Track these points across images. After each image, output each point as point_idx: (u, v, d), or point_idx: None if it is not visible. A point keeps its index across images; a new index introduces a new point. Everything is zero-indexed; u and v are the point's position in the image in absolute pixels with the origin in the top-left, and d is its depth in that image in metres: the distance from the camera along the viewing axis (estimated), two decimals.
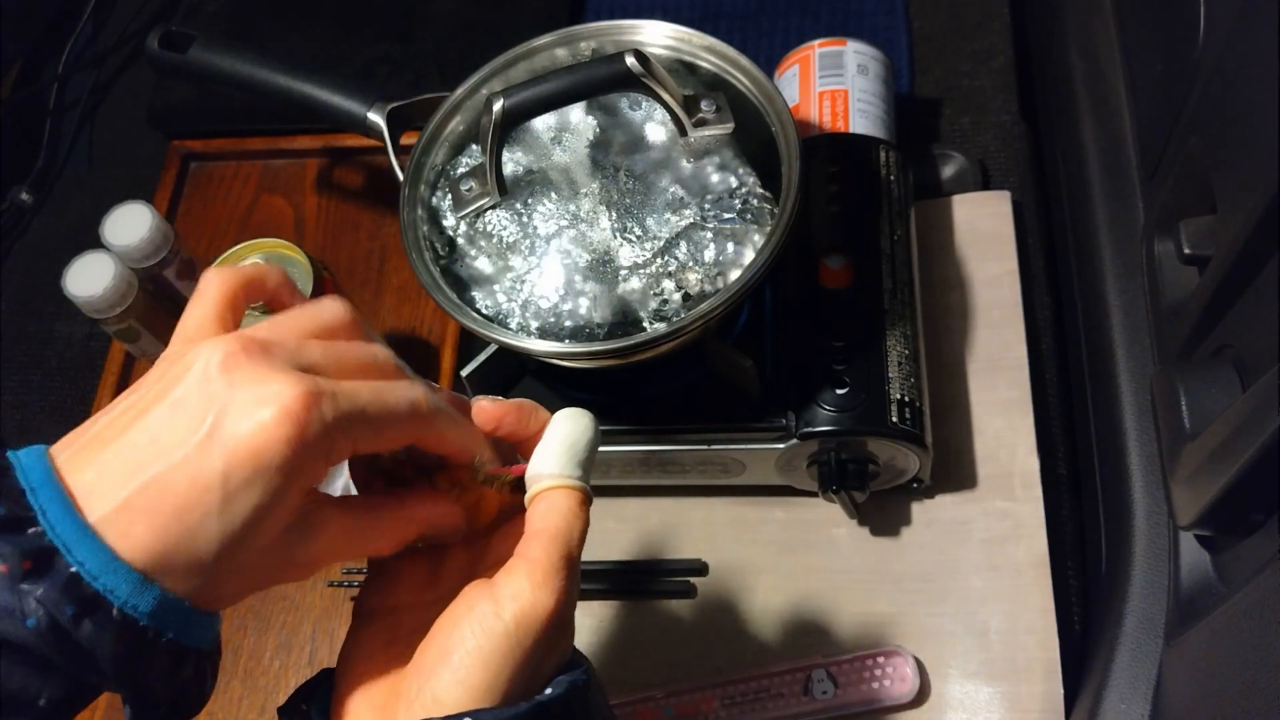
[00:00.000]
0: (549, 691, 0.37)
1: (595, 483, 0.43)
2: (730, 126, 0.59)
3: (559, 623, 0.37)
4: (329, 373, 0.36)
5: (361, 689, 0.39)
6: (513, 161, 0.61)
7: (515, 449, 0.45)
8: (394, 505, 0.40)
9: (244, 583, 0.35)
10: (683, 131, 0.59)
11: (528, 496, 0.41)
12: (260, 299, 0.41)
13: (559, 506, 0.40)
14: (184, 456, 0.33)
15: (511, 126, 0.57)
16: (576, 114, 0.61)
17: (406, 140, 0.67)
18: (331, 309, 0.39)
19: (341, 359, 0.37)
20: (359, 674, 0.39)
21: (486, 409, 0.42)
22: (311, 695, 0.40)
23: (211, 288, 0.39)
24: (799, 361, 0.63)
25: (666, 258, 0.57)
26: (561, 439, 0.42)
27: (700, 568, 0.69)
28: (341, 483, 0.65)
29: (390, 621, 0.41)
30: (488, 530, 0.44)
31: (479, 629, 0.36)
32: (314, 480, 0.35)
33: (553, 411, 0.43)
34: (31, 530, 0.32)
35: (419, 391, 0.38)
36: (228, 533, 0.33)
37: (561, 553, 0.38)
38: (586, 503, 0.41)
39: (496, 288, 0.59)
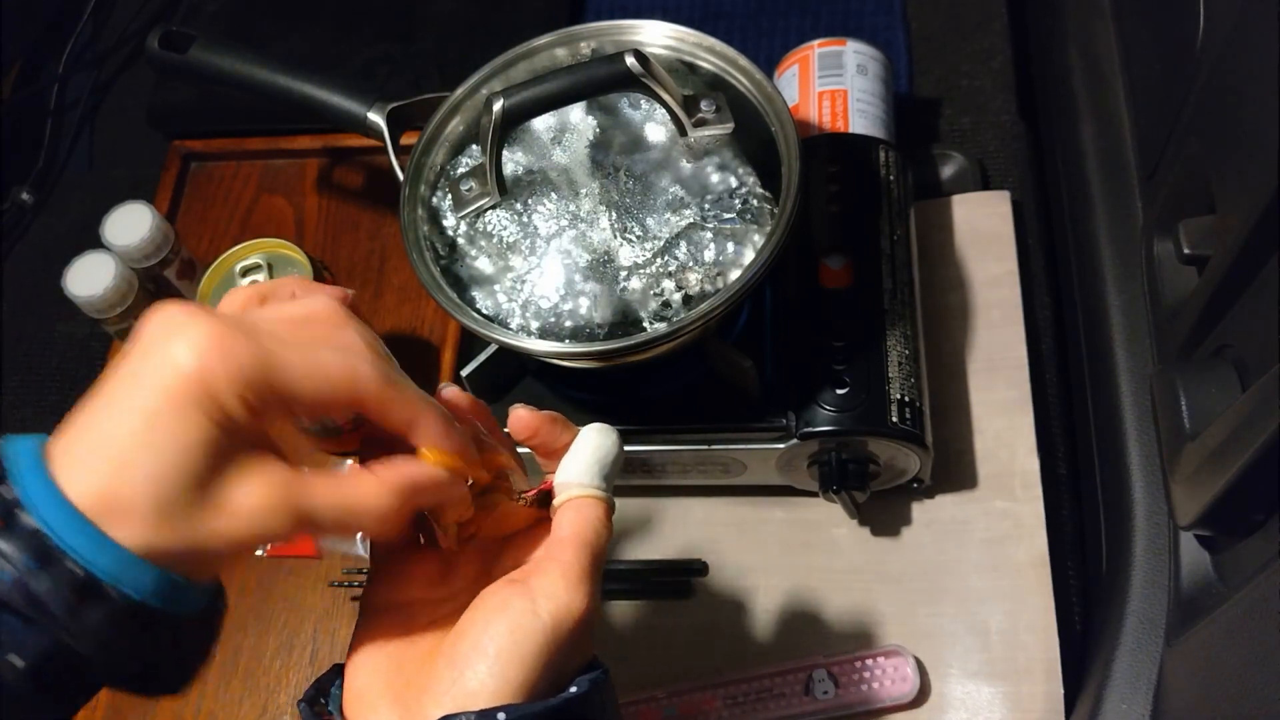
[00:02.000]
0: (574, 689, 0.38)
1: None
2: (730, 126, 0.59)
3: (587, 624, 0.39)
4: (267, 328, 0.37)
5: (377, 682, 0.39)
6: (513, 161, 0.61)
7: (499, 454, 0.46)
8: (351, 471, 0.38)
9: (184, 533, 0.34)
10: (682, 131, 0.59)
11: (556, 502, 0.42)
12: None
13: (588, 515, 0.41)
14: (110, 395, 0.35)
15: (511, 126, 0.57)
16: (576, 114, 0.61)
17: (406, 140, 0.67)
18: (315, 299, 0.40)
19: (287, 318, 0.38)
20: (372, 668, 0.40)
21: (524, 417, 0.43)
22: (328, 689, 0.40)
23: (234, 303, 0.40)
24: (799, 361, 0.63)
25: (666, 258, 0.57)
26: (591, 452, 0.43)
27: (700, 568, 0.69)
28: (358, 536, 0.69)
29: (402, 617, 0.41)
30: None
31: (515, 625, 0.37)
32: (235, 421, 0.35)
33: (579, 426, 0.44)
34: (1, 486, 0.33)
35: (366, 364, 0.37)
36: (156, 468, 0.34)
37: (591, 558, 0.40)
38: (611, 513, 0.42)
39: (496, 288, 0.59)
